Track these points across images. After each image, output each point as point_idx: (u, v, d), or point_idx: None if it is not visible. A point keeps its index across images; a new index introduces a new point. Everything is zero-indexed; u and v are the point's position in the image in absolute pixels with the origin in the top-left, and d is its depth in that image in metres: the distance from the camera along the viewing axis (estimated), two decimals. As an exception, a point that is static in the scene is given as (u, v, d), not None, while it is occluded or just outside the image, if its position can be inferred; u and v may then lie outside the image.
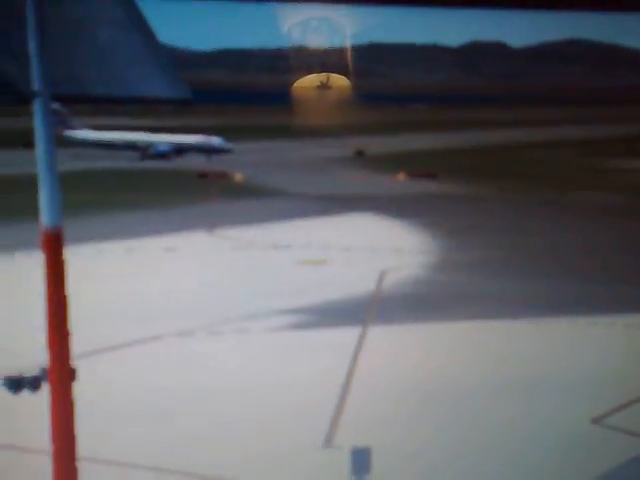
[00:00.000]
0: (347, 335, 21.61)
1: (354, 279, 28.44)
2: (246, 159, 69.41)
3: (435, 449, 14.79)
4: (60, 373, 8.45)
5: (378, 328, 22.27)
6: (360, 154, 79.07)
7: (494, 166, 67.32)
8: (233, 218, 40.53)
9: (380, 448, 13.81)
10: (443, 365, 19.30)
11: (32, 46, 7.25)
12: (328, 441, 14.95)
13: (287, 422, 15.81)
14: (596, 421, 15.69)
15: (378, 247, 33.68)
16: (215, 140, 69.61)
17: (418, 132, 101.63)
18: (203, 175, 58.09)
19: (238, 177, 58.50)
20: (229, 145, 69.32)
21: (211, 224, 38.27)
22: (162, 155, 68.66)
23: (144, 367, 19.21)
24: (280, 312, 24.08)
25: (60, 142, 70.31)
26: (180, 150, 68.62)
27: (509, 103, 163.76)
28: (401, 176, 60.33)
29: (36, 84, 7.48)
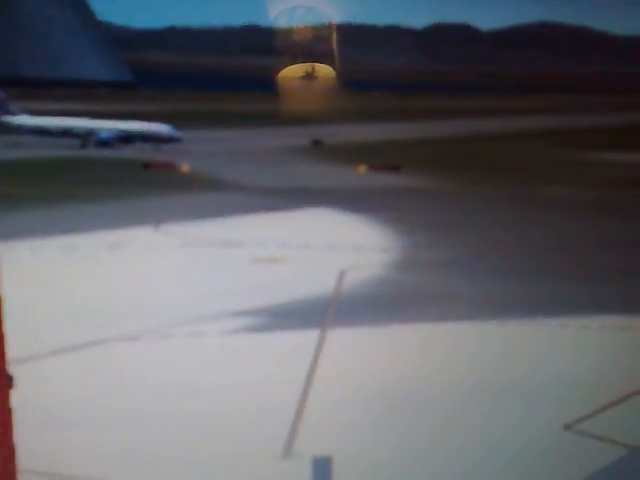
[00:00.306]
0: (305, 338, 22.00)
1: (312, 278, 28.78)
2: (195, 149, 69.08)
3: (401, 457, 15.21)
4: (-4, 379, 8.42)
5: (338, 331, 22.72)
6: (317, 144, 79.45)
7: (462, 158, 68.55)
8: (181, 213, 40.38)
9: (342, 457, 14.10)
10: (407, 369, 19.81)
11: None
12: (287, 450, 15.23)
13: (242, 430, 16.10)
14: (568, 427, 16.27)
15: (337, 244, 34.08)
16: (163, 128, 69.11)
17: (380, 121, 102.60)
18: (147, 165, 57.61)
19: (185, 168, 58.17)
20: (178, 133, 68.92)
21: (157, 219, 38.05)
22: (105, 143, 67.81)
23: (83, 374, 19.20)
24: (234, 314, 24.29)
25: None
26: (125, 138, 67.88)
27: (477, 90, 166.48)
28: (361, 168, 60.92)
29: None
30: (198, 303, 25.28)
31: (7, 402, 8.62)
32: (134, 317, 23.56)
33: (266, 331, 22.87)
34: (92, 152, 65.27)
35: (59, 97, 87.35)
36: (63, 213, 39.41)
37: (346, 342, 21.81)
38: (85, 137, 67.46)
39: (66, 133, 67.48)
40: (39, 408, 16.11)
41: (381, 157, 65.90)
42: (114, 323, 22.90)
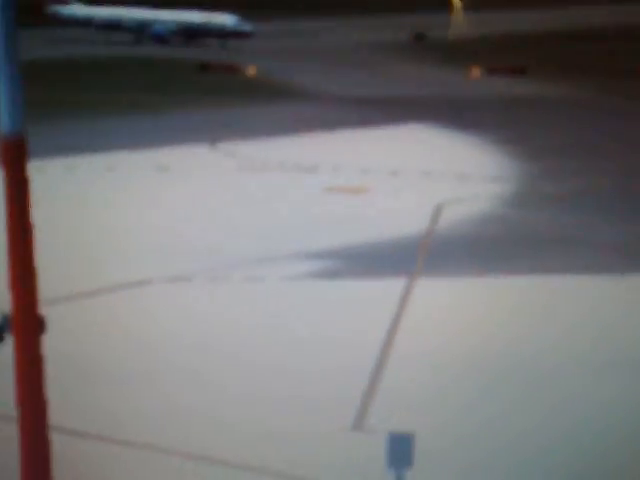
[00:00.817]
0: (388, 288, 22.38)
1: (400, 214, 29.00)
2: (266, 45, 69.08)
3: (497, 437, 15.49)
4: (26, 322, 9.48)
5: (429, 280, 23.00)
6: (420, 39, 78.18)
7: (604, 58, 66.13)
8: (243, 128, 41.19)
9: (425, 434, 14.77)
10: (510, 331, 20.09)
11: None
12: (359, 423, 15.79)
13: (307, 397, 16.67)
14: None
15: (435, 171, 34.06)
16: (229, 19, 68.67)
17: (501, 8, 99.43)
18: (205, 67, 58.51)
19: (251, 71, 58.73)
20: (248, 26, 68.22)
21: (214, 136, 39.04)
22: (161, 38, 68.55)
23: (127, 318, 20.31)
24: (302, 255, 24.93)
25: (41, 20, 70.66)
26: (185, 32, 68.22)
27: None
28: (475, 71, 59.86)
29: None
30: (258, 240, 25.94)
31: (37, 348, 9.70)
32: (182, 255, 24.46)
33: (339, 278, 23.33)
34: (145, 49, 66.50)
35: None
36: (103, 125, 40.97)
37: (438, 295, 22.06)
38: (139, 31, 68.55)
39: (119, 26, 68.59)
40: (74, 356, 17.51)
41: (501, 56, 64.35)
42: (159, 261, 23.90)
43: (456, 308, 21.56)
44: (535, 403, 16.78)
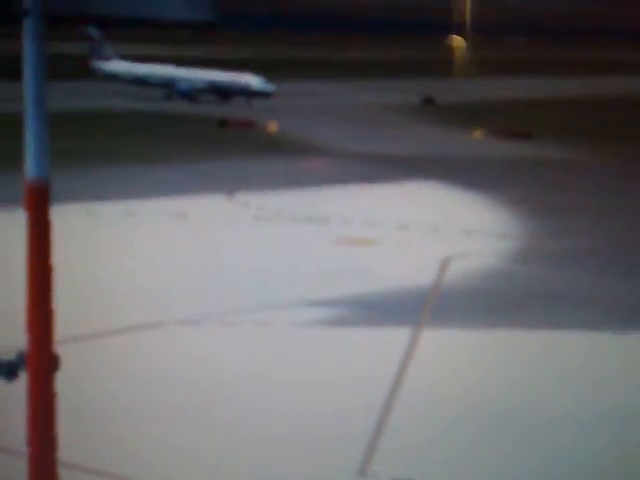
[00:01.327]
0: (394, 337, 22.27)
1: (408, 266, 28.98)
2: (283, 103, 70.02)
3: None
4: (41, 360, 9.35)
5: (434, 331, 22.87)
6: (429, 102, 79.00)
7: (614, 125, 66.50)
8: (259, 181, 41.44)
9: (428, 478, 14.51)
10: (514, 384, 19.88)
11: None
12: (363, 468, 15.63)
13: (312, 442, 16.53)
14: None
15: (443, 226, 34.05)
16: (254, 80, 70.04)
17: (512, 75, 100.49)
18: (225, 123, 59.17)
19: (270, 127, 59.32)
20: (270, 87, 69.51)
21: (231, 186, 39.24)
22: (187, 95, 69.87)
23: (135, 360, 20.28)
24: (311, 303, 24.88)
25: (86, 75, 72.58)
26: (213, 91, 69.57)
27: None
28: (482, 134, 60.27)
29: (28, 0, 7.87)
30: (270, 287, 25.94)
31: (51, 385, 9.56)
32: (196, 298, 24.47)
33: (347, 325, 23.24)
34: (171, 105, 67.50)
35: (134, 39, 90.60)
36: (126, 174, 41.27)
37: (444, 346, 21.93)
38: (170, 88, 69.86)
39: (151, 82, 70.25)
40: (85, 394, 17.33)
41: (508, 120, 64.84)
42: (173, 303, 23.90)
43: (460, 359, 21.35)
44: (533, 451, 16.47)
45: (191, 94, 69.43)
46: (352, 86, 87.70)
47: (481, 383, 19.79)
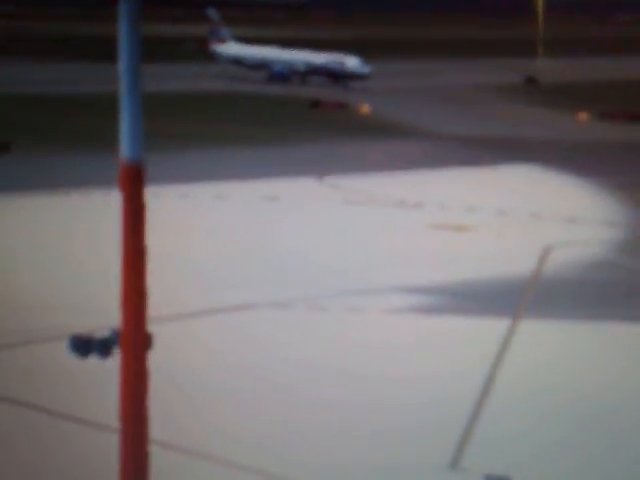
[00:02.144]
0: (490, 328, 21.88)
1: (507, 254, 28.43)
2: (377, 85, 69.66)
3: None
4: (134, 338, 9.60)
5: (533, 323, 22.35)
6: (532, 82, 77.27)
7: None
8: (350, 163, 41.38)
9: (523, 477, 14.27)
10: (619, 380, 19.31)
11: None
12: (455, 461, 15.50)
13: (403, 432, 16.46)
14: None
15: (544, 213, 33.31)
16: (352, 61, 69.71)
17: (617, 54, 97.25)
18: (317, 104, 59.41)
19: (363, 109, 59.17)
20: (367, 68, 69.20)
21: (322, 169, 39.35)
22: (280, 77, 70.53)
23: (224, 341, 20.50)
24: (403, 290, 24.69)
25: (204, 58, 75.27)
26: (310, 72, 69.95)
27: None
28: (587, 116, 58.60)
29: None
30: (361, 272, 25.83)
31: (143, 364, 9.81)
32: (286, 282, 24.66)
33: (440, 314, 23.00)
34: (265, 87, 68.32)
35: (231, 21, 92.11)
36: (219, 156, 41.95)
37: (543, 338, 21.41)
38: (268, 69, 70.96)
39: (260, 65, 71.62)
40: (176, 373, 17.73)
41: (615, 102, 62.83)
42: (263, 287, 24.09)
43: (560, 352, 20.86)
44: (626, 452, 16.01)
45: (285, 76, 70.08)
46: (451, 65, 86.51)
47: (580, 377, 19.29)
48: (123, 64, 8.85)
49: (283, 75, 70.45)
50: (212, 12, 74.81)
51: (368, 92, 65.99)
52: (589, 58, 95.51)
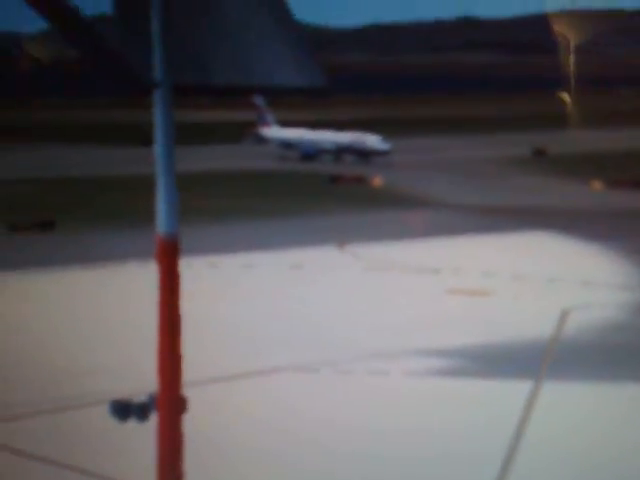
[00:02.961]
0: (512, 391, 21.48)
1: (525, 318, 28.09)
2: (394, 160, 70.34)
3: None
4: (170, 402, 9.45)
5: (555, 385, 21.96)
6: (540, 154, 77.62)
7: None
8: (369, 232, 41.39)
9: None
10: (636, 442, 18.76)
11: (155, 28, 7.89)
12: None
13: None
14: None
15: (560, 277, 33.02)
16: (370, 139, 70.76)
17: (623, 126, 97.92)
18: (335, 179, 60.00)
19: (376, 181, 59.60)
20: (387, 145, 70.51)
21: (342, 238, 39.40)
22: (309, 156, 72.23)
23: (252, 405, 20.28)
24: (425, 353, 24.40)
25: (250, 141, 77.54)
26: (337, 151, 71.63)
27: None
28: (597, 185, 58.60)
29: (157, 72, 8.12)
30: (382, 336, 25.57)
31: (179, 426, 9.64)
32: (312, 346, 24.42)
33: (461, 377, 22.64)
34: (300, 165, 69.50)
35: (249, 105, 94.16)
36: (245, 228, 42.24)
37: (565, 401, 20.96)
38: (298, 149, 72.78)
39: (292, 145, 73.48)
40: (205, 436, 17.48)
41: (624, 171, 62.92)
42: (289, 351, 23.89)
43: (580, 414, 20.33)
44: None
45: (312, 154, 71.91)
46: (464, 141, 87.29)
47: (604, 439, 18.79)
48: (159, 146, 9.12)
49: (310, 154, 72.38)
50: (258, 99, 77.27)
51: (388, 167, 66.77)
52: (594, 130, 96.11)
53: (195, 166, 60.64)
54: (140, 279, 27.35)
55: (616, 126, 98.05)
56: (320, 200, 51.53)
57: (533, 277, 33.07)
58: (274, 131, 76.86)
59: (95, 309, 27.77)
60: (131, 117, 71.59)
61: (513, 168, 68.21)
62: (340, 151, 71.78)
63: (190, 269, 30.10)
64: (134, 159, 61.64)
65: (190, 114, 76.88)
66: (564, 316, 27.96)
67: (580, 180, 59.71)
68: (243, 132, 78.40)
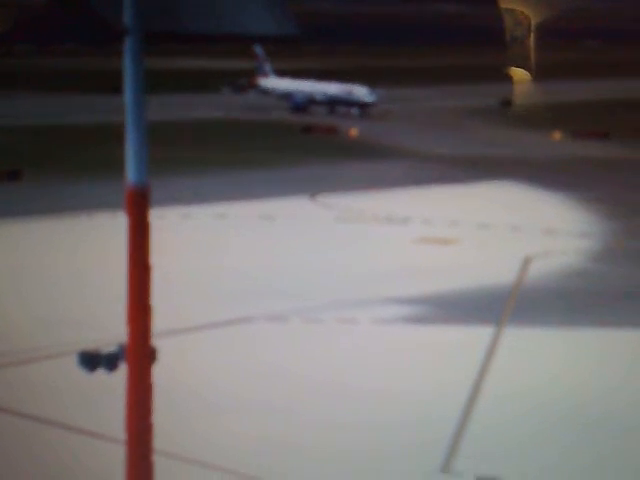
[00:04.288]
0: (475, 335, 21.66)
1: (489, 265, 28.23)
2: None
3: None
4: (139, 352, 9.39)
5: (516, 330, 22.16)
6: (507, 104, 77.43)
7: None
8: (341, 183, 41.24)
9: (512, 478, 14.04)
10: (592, 383, 19.09)
11: None
12: (447, 466, 15.27)
13: (397, 438, 16.22)
14: None
15: (523, 226, 33.20)
16: (358, 90, 68.83)
17: (586, 78, 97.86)
18: (307, 129, 59.28)
19: (352, 132, 59.07)
20: (373, 97, 68.75)
21: (314, 189, 39.25)
22: (299, 107, 70.60)
23: (223, 354, 20.25)
24: (393, 301, 24.49)
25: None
26: (331, 102, 69.89)
27: None
28: (559, 135, 58.72)
29: (127, 20, 8.05)
30: (353, 285, 25.63)
31: (148, 377, 9.59)
32: (281, 296, 24.37)
33: (428, 323, 22.80)
34: (286, 116, 68.16)
35: (221, 53, 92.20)
36: (217, 179, 41.87)
37: (525, 345, 21.17)
38: (291, 100, 71.06)
39: (287, 96, 71.92)
40: (176, 386, 17.45)
41: (585, 122, 63.06)
42: (260, 300, 23.83)
43: (541, 357, 20.64)
44: (618, 456, 15.73)
45: (302, 106, 70.29)
46: (432, 91, 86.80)
47: (560, 379, 19.11)
48: (128, 95, 8.90)
49: (300, 106, 70.70)
50: (257, 48, 75.46)
51: (353, 117, 66.13)
52: (560, 82, 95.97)
53: (168, 116, 59.70)
54: (110, 230, 27.07)
55: (582, 78, 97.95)
56: (292, 151, 51.15)
57: (497, 226, 33.23)
58: (272, 82, 74.41)
59: (63, 260, 27.45)
60: (103, 64, 69.94)
61: (481, 118, 68.08)
62: (330, 103, 70.17)
63: (161, 220, 30.02)
64: (107, 108, 60.58)
65: (165, 61, 75.13)
66: (526, 263, 28.20)
67: (544, 130, 59.82)
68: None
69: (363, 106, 68.50)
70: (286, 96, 71.65)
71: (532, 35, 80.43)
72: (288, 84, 73.48)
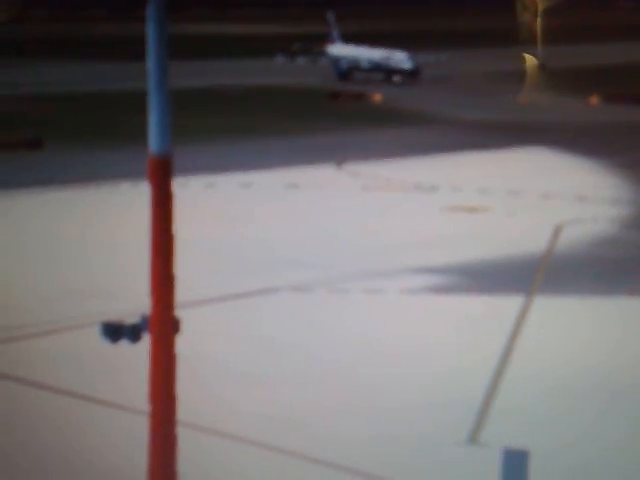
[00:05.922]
0: (505, 305, 21.55)
1: (519, 233, 28.00)
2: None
3: (613, 460, 14.67)
4: (162, 323, 9.46)
5: (547, 299, 22.01)
6: (540, 68, 76.34)
7: None
8: (368, 150, 41.02)
9: (540, 453, 14.05)
10: (628, 352, 18.98)
11: None
12: (474, 436, 15.24)
13: (423, 409, 16.24)
14: None
15: (555, 193, 32.82)
16: (398, 56, 67.44)
17: (624, 40, 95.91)
18: (335, 95, 58.93)
19: (377, 97, 58.61)
20: (412, 63, 66.75)
21: (340, 157, 39.07)
22: (342, 74, 69.86)
23: (248, 325, 20.34)
24: (421, 270, 24.39)
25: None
26: (371, 69, 69.07)
27: None
28: (594, 99, 57.81)
29: None
30: (380, 255, 25.57)
31: (171, 348, 9.69)
32: (307, 266, 24.39)
33: (457, 293, 22.70)
34: (329, 82, 67.48)
35: (247, 18, 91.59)
36: (242, 148, 41.85)
37: (557, 314, 21.03)
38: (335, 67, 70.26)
39: (335, 62, 71.00)
40: (199, 357, 17.56)
41: (622, 86, 61.98)
42: (286, 270, 23.86)
43: (574, 327, 20.52)
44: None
45: (344, 73, 69.54)
46: (463, 55, 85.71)
47: (594, 349, 19.02)
48: (151, 62, 8.86)
49: (342, 72, 69.94)
50: (330, 15, 74.78)
51: (380, 82, 65.42)
52: (595, 44, 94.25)
53: (198, 82, 59.58)
54: (134, 200, 27.22)
55: (618, 40, 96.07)
56: (319, 118, 50.91)
57: (528, 193, 32.91)
58: (337, 48, 73.13)
59: (86, 230, 27.68)
60: (121, 30, 69.67)
61: (513, 82, 67.20)
62: (374, 69, 69.01)
63: (185, 189, 30.13)
64: (124, 76, 60.58)
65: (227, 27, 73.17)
66: (558, 231, 27.97)
67: (577, 95, 58.91)
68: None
69: (405, 73, 66.98)
70: (335, 62, 70.53)
71: (539, 20, 78.98)
72: (349, 50, 71.90)
